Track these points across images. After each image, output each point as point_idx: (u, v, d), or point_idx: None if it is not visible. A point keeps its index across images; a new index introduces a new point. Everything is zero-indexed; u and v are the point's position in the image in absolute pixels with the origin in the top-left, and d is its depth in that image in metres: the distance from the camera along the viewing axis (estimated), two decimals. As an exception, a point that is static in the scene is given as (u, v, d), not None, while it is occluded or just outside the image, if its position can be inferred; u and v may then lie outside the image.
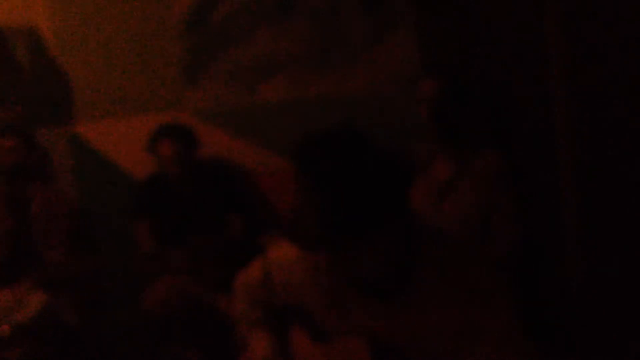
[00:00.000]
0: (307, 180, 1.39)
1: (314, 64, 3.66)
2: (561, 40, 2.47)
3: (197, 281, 3.23)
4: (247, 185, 3.55)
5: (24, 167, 3.28)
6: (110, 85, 3.75)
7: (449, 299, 1.44)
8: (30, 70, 3.81)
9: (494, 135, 2.91)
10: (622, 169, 2.27)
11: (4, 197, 3.31)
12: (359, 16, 3.68)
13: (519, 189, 2.76)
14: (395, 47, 3.62)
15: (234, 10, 3.74)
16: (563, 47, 2.47)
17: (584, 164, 2.46)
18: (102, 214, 3.56)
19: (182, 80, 3.75)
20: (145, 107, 3.73)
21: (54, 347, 2.96)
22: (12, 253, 3.24)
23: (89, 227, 3.39)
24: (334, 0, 3.68)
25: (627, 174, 2.26)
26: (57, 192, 3.38)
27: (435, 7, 3.26)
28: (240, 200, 3.44)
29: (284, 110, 3.63)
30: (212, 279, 3.18)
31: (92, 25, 3.73)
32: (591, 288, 2.49)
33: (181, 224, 3.35)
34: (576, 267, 2.54)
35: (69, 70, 3.77)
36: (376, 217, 1.36)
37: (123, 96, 3.75)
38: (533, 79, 2.67)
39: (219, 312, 3.00)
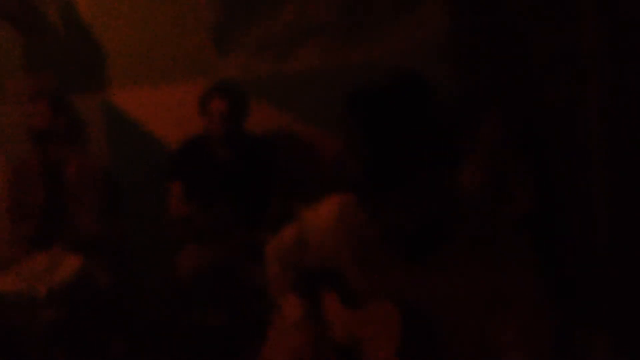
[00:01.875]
0: (351, 130, 1.41)
1: (344, 32, 3.64)
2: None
3: (228, 246, 3.25)
4: (287, 153, 3.54)
5: (57, 132, 3.33)
6: (142, 53, 3.76)
7: (479, 265, 1.45)
8: (63, 37, 3.84)
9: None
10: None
11: (38, 162, 3.36)
12: (390, -16, 3.65)
13: (540, 150, 2.76)
14: (426, 17, 3.59)
15: (266, -22, 3.73)
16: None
17: (611, 124, 2.44)
18: (134, 179, 3.59)
19: (214, 49, 3.75)
20: (177, 75, 3.74)
21: (86, 308, 3.01)
22: (47, 217, 3.30)
23: (121, 192, 3.43)
24: (366, -31, 3.65)
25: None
26: (90, 158, 3.42)
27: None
28: (279, 171, 3.43)
29: (315, 79, 3.62)
30: (244, 245, 3.20)
31: (124, -7, 3.75)
32: (617, 252, 2.49)
33: (217, 189, 3.35)
34: (601, 229, 2.53)
35: (102, 38, 3.79)
36: (419, 169, 1.37)
37: (155, 64, 3.76)
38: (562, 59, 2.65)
39: (250, 277, 3.02)
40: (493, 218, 1.55)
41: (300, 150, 3.62)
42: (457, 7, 3.34)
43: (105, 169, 3.43)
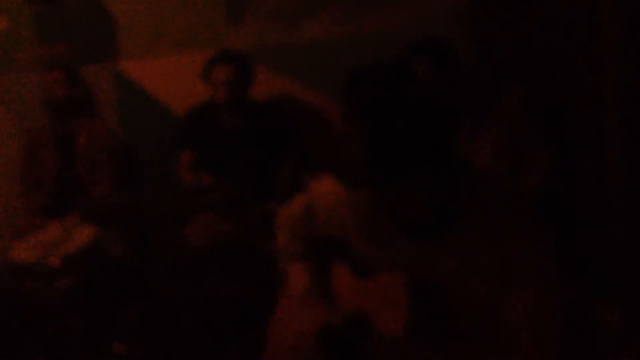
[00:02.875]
0: (355, 113, 1.39)
1: (357, 1, 3.60)
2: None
3: (239, 216, 3.25)
4: (297, 122, 3.52)
5: (69, 102, 3.33)
6: (153, 22, 3.74)
7: (489, 240, 1.44)
8: (75, 8, 3.83)
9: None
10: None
11: (52, 132, 3.37)
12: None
13: (556, 125, 2.74)
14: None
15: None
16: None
17: (630, 102, 2.42)
18: (145, 149, 3.60)
19: (225, 18, 3.73)
20: (188, 44, 3.72)
21: (100, 278, 3.04)
22: (60, 187, 3.32)
23: (133, 162, 3.44)
24: None
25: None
26: (102, 128, 3.42)
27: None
28: (288, 139, 3.41)
29: (328, 48, 3.59)
30: (254, 214, 3.20)
31: (135, -38, 3.72)
32: (631, 229, 2.47)
33: (225, 157, 3.34)
34: (617, 206, 2.52)
35: (113, 8, 3.78)
36: (422, 154, 1.36)
37: (166, 34, 3.74)
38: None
39: (260, 247, 3.03)
40: (504, 192, 1.54)
41: (311, 120, 3.61)
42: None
43: (118, 139, 3.43)
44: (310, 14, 3.67)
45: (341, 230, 1.62)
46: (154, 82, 3.75)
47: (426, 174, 1.38)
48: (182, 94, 3.56)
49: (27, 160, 3.44)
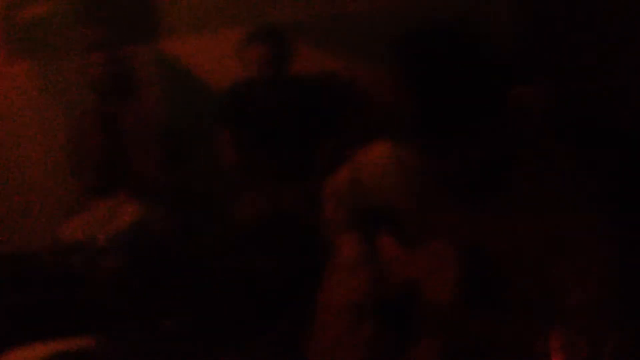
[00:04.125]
0: (405, 72, 1.38)
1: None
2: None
3: (283, 192, 3.26)
4: (338, 96, 3.49)
5: (113, 83, 3.36)
6: (193, 1, 3.75)
7: (538, 209, 1.42)
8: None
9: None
10: None
11: (97, 112, 3.41)
12: None
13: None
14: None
15: None
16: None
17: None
18: (189, 128, 3.61)
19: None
20: (228, 21, 3.72)
21: (145, 256, 3.08)
22: (106, 166, 3.36)
23: (178, 140, 3.46)
24: None
25: None
26: (146, 107, 3.46)
27: None
28: (329, 114, 3.38)
29: (367, 20, 3.55)
30: (298, 190, 3.20)
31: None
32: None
33: (267, 134, 3.33)
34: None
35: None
36: (471, 115, 1.34)
37: (206, 11, 3.75)
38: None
39: (304, 222, 3.02)
40: (562, 169, 1.51)
41: (352, 94, 3.57)
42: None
43: (162, 118, 3.46)
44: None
45: (389, 198, 1.61)
46: (196, 60, 3.76)
47: (477, 132, 1.37)
48: (223, 71, 3.56)
49: (74, 142, 3.48)
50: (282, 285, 3.02)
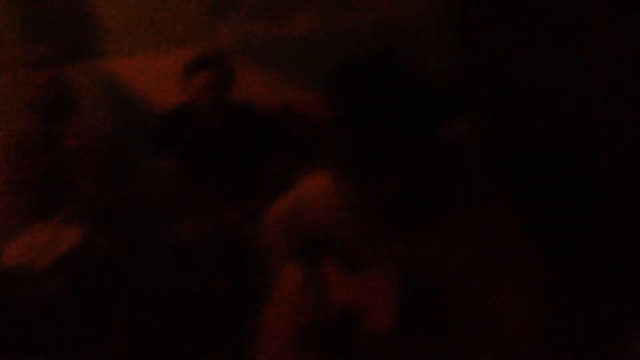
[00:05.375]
0: (339, 102, 1.41)
1: (340, -3, 3.60)
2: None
3: (225, 216, 3.26)
4: (281, 119, 3.51)
5: (56, 102, 3.32)
6: (138, 20, 3.73)
7: (477, 231, 1.46)
8: (58, 7, 3.81)
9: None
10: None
11: (37, 132, 3.36)
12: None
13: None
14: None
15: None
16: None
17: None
18: (133, 148, 3.59)
19: (210, 15, 3.72)
20: (174, 42, 3.72)
21: (90, 278, 3.04)
22: (48, 187, 3.30)
23: (121, 160, 3.43)
24: None
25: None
26: (89, 127, 3.41)
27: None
28: (272, 137, 3.41)
29: (314, 43, 3.59)
30: (239, 213, 3.21)
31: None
32: (619, 218, 2.49)
33: (209, 157, 3.34)
34: (606, 194, 2.53)
35: (97, 7, 3.76)
36: (406, 141, 1.38)
37: (150, 32, 3.73)
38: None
39: (249, 246, 3.03)
40: (491, 183, 1.56)
41: (295, 118, 3.61)
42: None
43: (105, 138, 3.42)
44: (293, 9, 3.67)
45: (330, 228, 1.63)
46: (140, 80, 3.74)
47: (411, 160, 1.40)
48: (167, 92, 3.55)
49: (13, 162, 3.42)
50: (225, 309, 3.02)
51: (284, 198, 1.78)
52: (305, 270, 1.74)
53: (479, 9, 2.97)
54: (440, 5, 3.34)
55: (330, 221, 1.63)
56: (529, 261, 1.47)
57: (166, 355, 2.92)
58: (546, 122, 2.77)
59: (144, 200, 3.49)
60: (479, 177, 1.57)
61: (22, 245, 3.04)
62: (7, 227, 3.31)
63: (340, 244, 1.62)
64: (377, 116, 1.38)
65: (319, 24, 3.63)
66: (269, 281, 1.81)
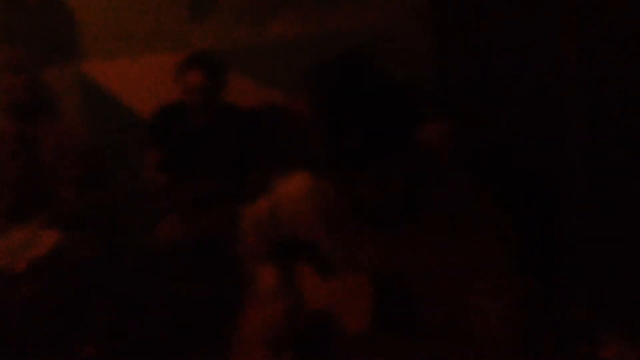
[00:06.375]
0: (317, 104, 1.42)
1: (320, 0, 3.62)
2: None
3: (206, 217, 3.25)
4: (267, 122, 3.51)
5: (32, 105, 3.29)
6: (117, 24, 3.72)
7: (450, 233, 1.46)
8: (37, 9, 3.79)
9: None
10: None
11: (14, 136, 3.33)
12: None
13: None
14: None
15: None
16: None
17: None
18: (110, 151, 3.57)
19: (189, 18, 3.72)
20: (153, 46, 3.71)
21: (66, 282, 3.01)
22: (25, 191, 3.28)
23: (99, 164, 3.41)
24: None
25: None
26: (67, 130, 3.39)
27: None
28: (258, 140, 3.41)
29: (293, 47, 3.60)
30: (222, 215, 3.20)
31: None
32: (594, 223, 2.51)
33: (194, 157, 3.34)
34: (581, 202, 2.56)
35: (76, 10, 3.75)
36: (382, 144, 1.39)
37: (130, 35, 3.73)
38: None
39: (226, 248, 3.03)
40: (466, 185, 1.56)
41: (279, 121, 3.61)
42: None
43: (83, 141, 3.40)
44: (274, 13, 3.68)
45: (306, 229, 1.64)
46: (118, 83, 3.74)
47: (388, 162, 1.41)
48: (146, 95, 3.55)
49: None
50: (204, 312, 3.01)
51: (261, 201, 1.78)
52: (281, 273, 1.74)
53: (459, 13, 2.99)
54: (419, 10, 3.36)
55: (306, 224, 1.63)
56: (505, 264, 1.47)
57: (144, 359, 2.91)
58: (524, 123, 2.79)
59: (122, 203, 3.47)
60: (456, 179, 1.58)
61: (-2, 249, 3.01)
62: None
63: (315, 247, 1.63)
64: (355, 118, 1.39)
65: (299, 27, 3.64)
66: (246, 284, 1.81)
